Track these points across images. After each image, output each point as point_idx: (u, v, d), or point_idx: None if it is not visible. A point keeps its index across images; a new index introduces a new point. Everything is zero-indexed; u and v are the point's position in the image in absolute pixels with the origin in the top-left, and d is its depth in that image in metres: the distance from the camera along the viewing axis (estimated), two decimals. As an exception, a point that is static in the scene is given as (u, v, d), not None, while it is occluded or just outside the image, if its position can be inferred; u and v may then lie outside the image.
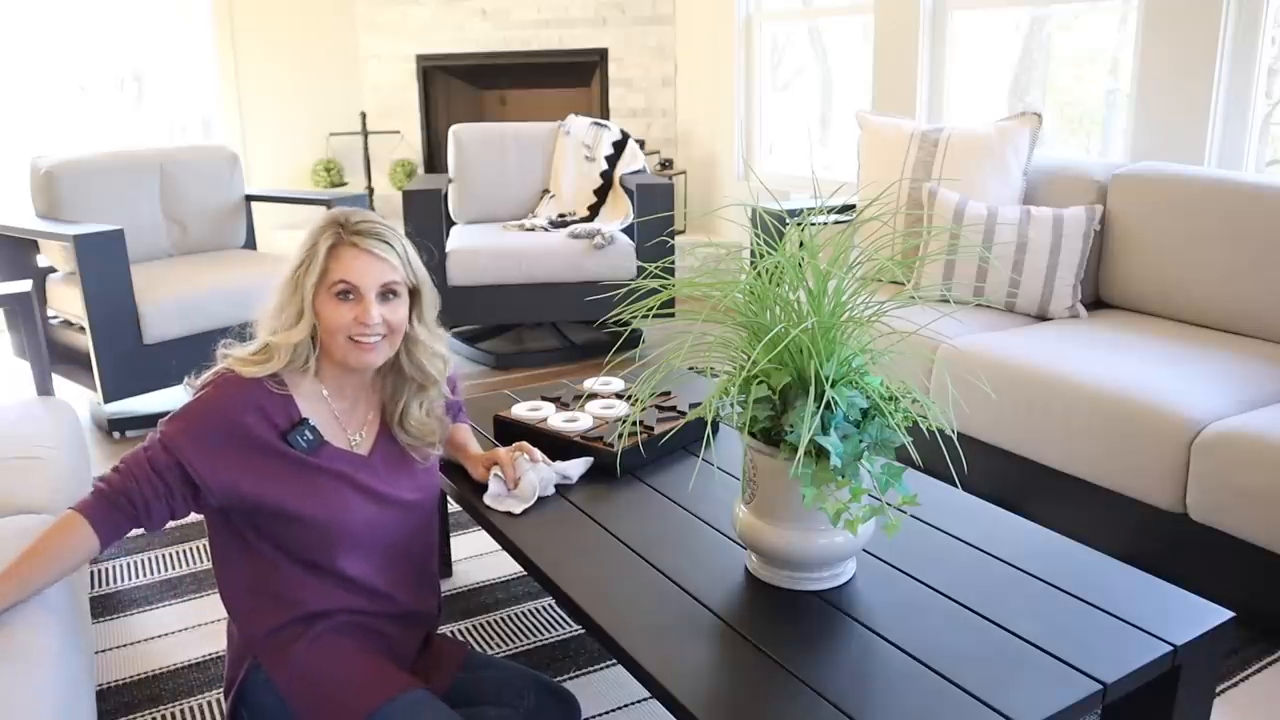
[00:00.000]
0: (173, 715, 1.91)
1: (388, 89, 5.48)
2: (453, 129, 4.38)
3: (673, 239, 4.37)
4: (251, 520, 1.48)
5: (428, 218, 3.83)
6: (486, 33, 5.34)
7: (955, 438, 1.35)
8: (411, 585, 1.62)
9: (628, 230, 4.02)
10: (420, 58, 5.41)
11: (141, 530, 1.45)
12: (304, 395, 1.50)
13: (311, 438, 1.49)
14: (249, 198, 3.89)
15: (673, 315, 1.43)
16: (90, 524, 1.39)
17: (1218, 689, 1.91)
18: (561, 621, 2.19)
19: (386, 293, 1.49)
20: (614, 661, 2.02)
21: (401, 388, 1.59)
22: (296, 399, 1.49)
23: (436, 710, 1.43)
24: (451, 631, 2.15)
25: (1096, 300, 2.98)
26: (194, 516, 1.46)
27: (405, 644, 1.61)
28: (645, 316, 1.42)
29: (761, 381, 1.35)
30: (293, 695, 1.45)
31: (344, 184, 5.47)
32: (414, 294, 1.54)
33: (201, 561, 2.46)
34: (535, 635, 2.15)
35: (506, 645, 2.11)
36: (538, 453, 1.83)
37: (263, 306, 1.53)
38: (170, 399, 3.53)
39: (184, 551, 2.52)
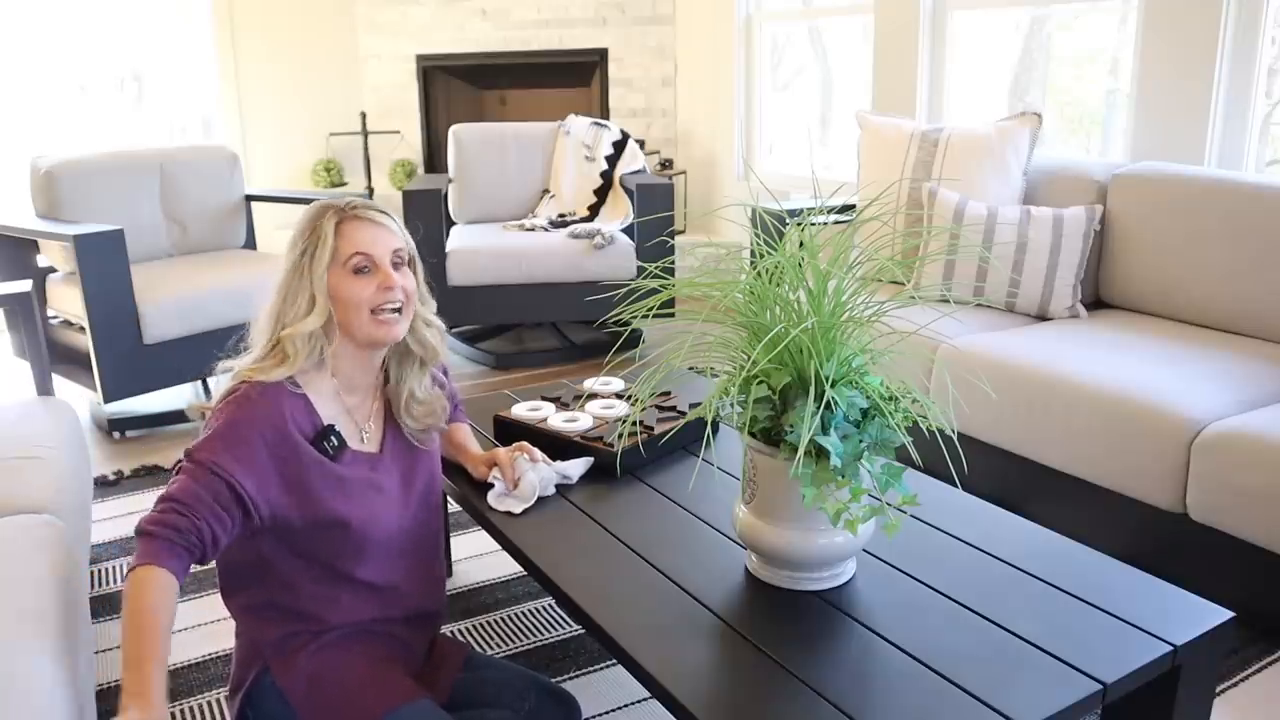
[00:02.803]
0: (173, 715, 1.91)
1: (388, 89, 5.48)
2: (453, 129, 4.38)
3: (673, 239, 4.37)
4: (283, 537, 1.44)
5: (428, 218, 3.83)
6: (486, 33, 5.34)
7: (955, 438, 1.35)
8: (423, 582, 1.62)
9: (628, 230, 4.02)
10: (420, 58, 5.41)
11: None
12: (319, 394, 1.48)
13: (337, 444, 1.47)
14: (249, 198, 3.89)
15: (673, 315, 1.43)
16: (174, 576, 1.29)
17: (1218, 689, 1.91)
18: (561, 621, 2.19)
19: (396, 261, 1.49)
20: (614, 661, 2.02)
21: (405, 369, 1.58)
22: (313, 399, 1.47)
23: None
24: (451, 631, 2.15)
25: (1096, 300, 2.98)
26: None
27: (415, 645, 1.61)
28: (645, 316, 1.42)
29: (761, 381, 1.35)
30: (299, 701, 1.45)
31: (344, 184, 5.47)
32: (411, 264, 1.55)
33: (201, 561, 2.46)
34: (535, 635, 2.15)
35: (506, 645, 2.11)
36: (538, 453, 1.83)
37: (260, 309, 1.51)
38: (170, 399, 3.53)
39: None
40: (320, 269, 1.45)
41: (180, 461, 1.39)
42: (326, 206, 1.49)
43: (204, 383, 3.53)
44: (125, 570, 2.42)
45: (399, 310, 1.48)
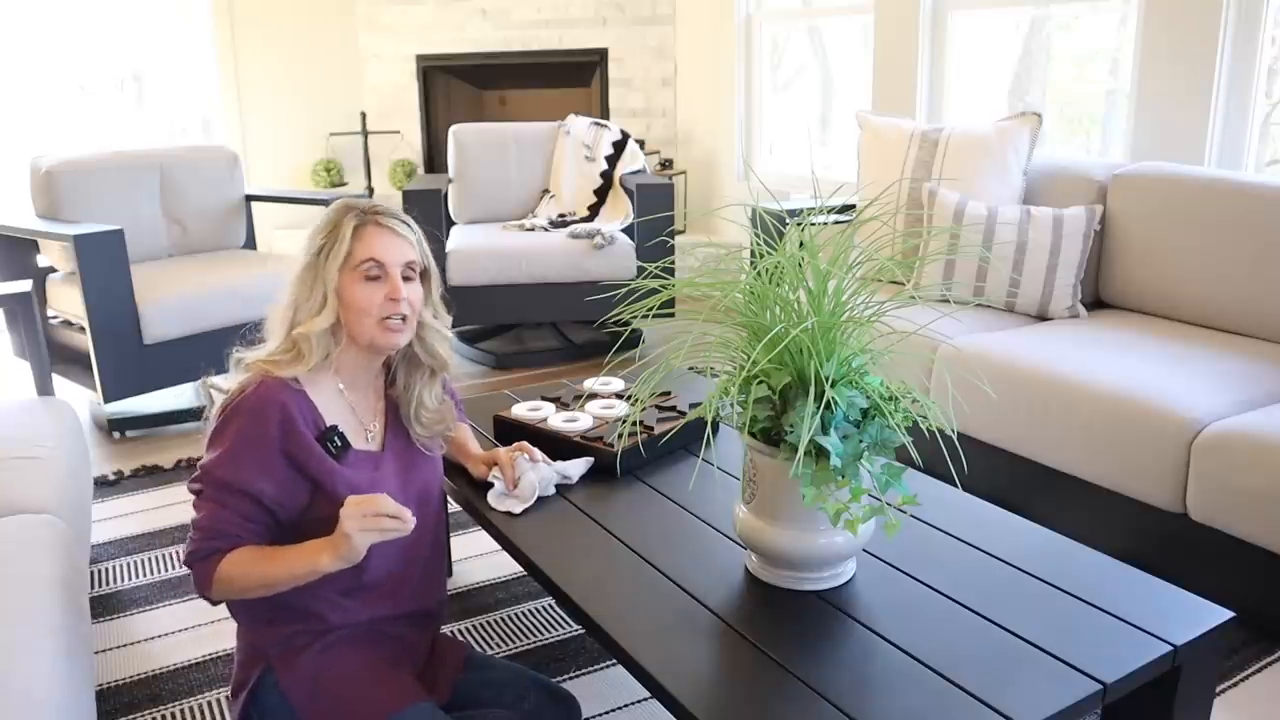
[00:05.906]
0: (173, 715, 1.91)
1: (388, 89, 5.48)
2: (453, 129, 4.38)
3: (673, 239, 4.37)
4: (290, 535, 1.45)
5: (428, 218, 3.82)
6: (486, 33, 5.34)
7: (955, 438, 1.35)
8: (423, 581, 1.62)
9: (628, 230, 4.02)
10: (420, 58, 5.41)
11: None
12: (320, 390, 1.50)
13: (340, 444, 1.49)
14: (249, 198, 3.89)
15: (673, 315, 1.43)
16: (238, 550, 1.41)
17: (1218, 689, 1.91)
18: (561, 621, 2.19)
19: (408, 274, 1.51)
20: (614, 661, 2.02)
21: (414, 378, 1.60)
22: (312, 396, 1.48)
23: None
24: (452, 631, 2.15)
25: (1096, 300, 2.98)
26: (190, 513, 1.45)
27: (416, 644, 1.61)
28: (645, 316, 1.42)
29: (761, 381, 1.35)
30: (301, 701, 1.45)
31: (344, 184, 5.47)
32: (425, 277, 1.56)
33: (201, 561, 2.46)
34: (535, 635, 2.15)
35: (506, 645, 2.11)
36: (538, 452, 1.83)
37: (275, 304, 1.53)
38: (170, 399, 3.53)
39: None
40: (333, 269, 1.47)
41: (199, 480, 1.43)
42: (350, 207, 1.52)
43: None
44: (121, 569, 2.42)
45: (403, 320, 1.50)
